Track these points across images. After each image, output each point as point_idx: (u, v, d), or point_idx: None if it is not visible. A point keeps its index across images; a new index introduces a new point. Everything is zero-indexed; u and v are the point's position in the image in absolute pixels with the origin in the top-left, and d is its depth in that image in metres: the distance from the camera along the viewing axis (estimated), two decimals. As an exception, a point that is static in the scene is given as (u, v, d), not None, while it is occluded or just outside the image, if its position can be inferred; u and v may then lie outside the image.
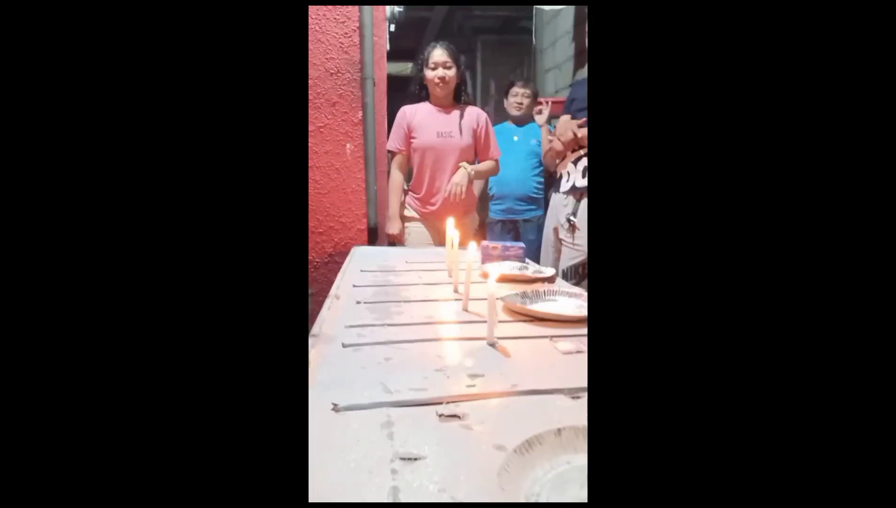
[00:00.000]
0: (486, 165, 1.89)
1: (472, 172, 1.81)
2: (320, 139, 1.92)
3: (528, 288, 1.03)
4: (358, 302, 0.97)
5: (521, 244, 1.34)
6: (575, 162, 1.65)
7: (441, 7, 4.68)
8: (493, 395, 0.57)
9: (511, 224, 2.46)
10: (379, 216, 2.02)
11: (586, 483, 0.42)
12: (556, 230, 1.74)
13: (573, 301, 0.97)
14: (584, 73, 3.06)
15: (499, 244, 1.32)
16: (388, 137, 1.90)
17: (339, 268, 1.34)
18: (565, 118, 1.72)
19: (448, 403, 0.54)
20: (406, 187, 1.94)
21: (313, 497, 0.38)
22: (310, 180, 1.92)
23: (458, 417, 0.51)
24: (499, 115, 2.85)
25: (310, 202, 1.93)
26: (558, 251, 1.74)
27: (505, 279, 1.13)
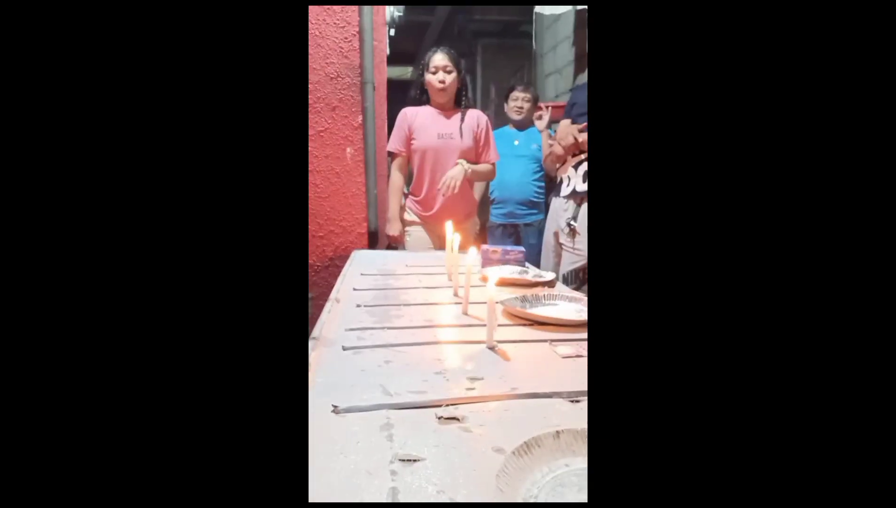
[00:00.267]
0: (483, 166, 1.89)
1: (469, 170, 1.80)
2: (320, 143, 1.93)
3: (528, 292, 1.03)
4: (358, 305, 0.97)
5: (521, 248, 1.34)
6: (575, 166, 1.66)
7: (441, 11, 4.70)
8: (492, 398, 0.57)
9: (512, 228, 2.46)
10: (379, 220, 2.02)
11: (584, 486, 0.42)
12: (556, 235, 1.75)
13: (573, 306, 0.97)
14: (584, 77, 3.07)
15: (499, 248, 1.32)
16: (388, 141, 1.90)
17: (340, 272, 1.34)
18: (566, 123, 1.73)
19: (447, 406, 0.55)
20: (406, 190, 1.94)
21: (313, 498, 0.38)
22: (310, 185, 1.93)
23: (458, 420, 0.52)
24: (499, 119, 2.86)
25: (310, 206, 1.93)
26: (559, 256, 1.74)
27: (505, 283, 1.13)
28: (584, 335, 0.80)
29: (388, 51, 2.06)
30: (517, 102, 2.42)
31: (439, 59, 1.80)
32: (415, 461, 0.44)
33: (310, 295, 1.92)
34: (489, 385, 0.61)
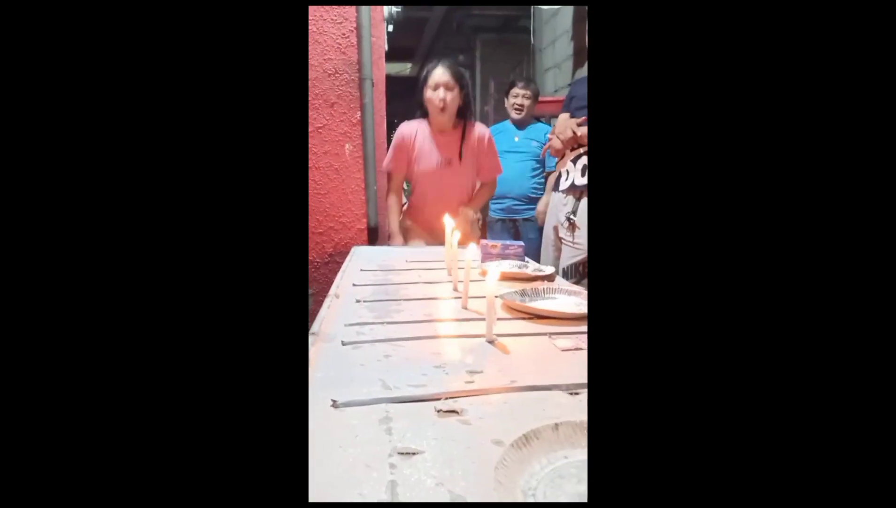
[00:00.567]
0: (482, 193, 1.83)
1: (474, 215, 1.75)
2: (319, 140, 1.93)
3: (528, 286, 1.03)
4: (357, 301, 0.97)
5: (521, 243, 1.34)
6: (574, 160, 1.65)
7: (440, 7, 4.68)
8: (491, 391, 0.57)
9: (511, 223, 2.46)
10: (378, 216, 2.02)
11: (583, 477, 0.42)
12: (555, 229, 1.74)
13: (572, 299, 0.97)
14: (583, 71, 3.06)
15: (498, 243, 1.32)
16: (386, 138, 1.90)
17: (339, 268, 1.34)
18: (564, 117, 1.72)
19: (447, 399, 0.55)
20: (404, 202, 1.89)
21: (312, 493, 0.38)
22: (309, 181, 1.93)
23: (457, 412, 0.52)
24: (498, 114, 2.86)
25: (309, 203, 1.93)
26: (558, 250, 1.74)
27: (504, 278, 1.13)
28: (583, 329, 0.80)
29: (386, 47, 2.06)
30: (518, 99, 2.41)
31: (440, 74, 1.67)
32: (413, 454, 0.44)
33: (310, 291, 1.93)
34: (488, 379, 0.61)
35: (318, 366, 0.64)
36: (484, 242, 1.32)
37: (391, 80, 2.13)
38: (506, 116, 2.52)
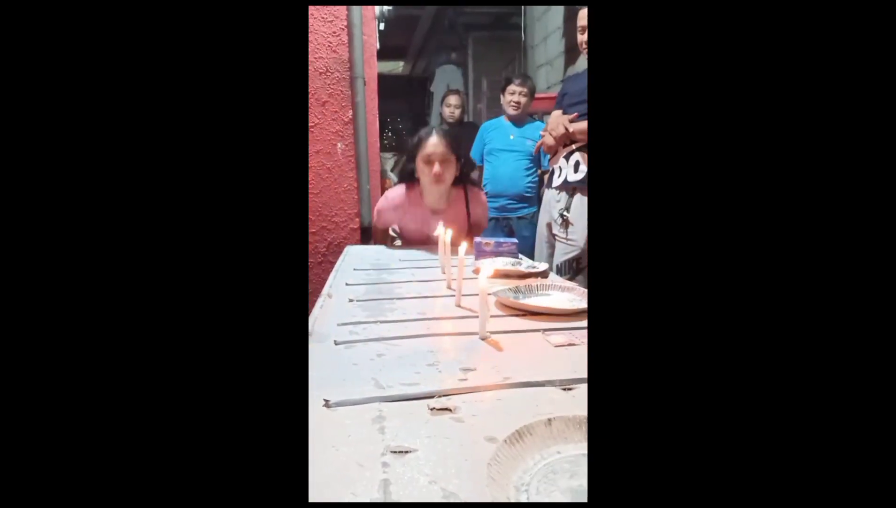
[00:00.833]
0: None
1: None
2: (311, 139, 1.92)
3: (521, 283, 1.03)
4: (350, 300, 0.97)
5: (514, 240, 1.34)
6: (567, 157, 1.65)
7: (431, 5, 4.68)
8: (484, 388, 0.57)
9: (504, 221, 2.46)
10: (371, 216, 2.01)
11: (576, 472, 0.42)
12: (549, 226, 1.75)
13: (566, 295, 0.97)
14: (575, 68, 3.06)
15: (491, 240, 1.32)
16: (379, 137, 1.89)
17: (332, 267, 1.34)
18: (557, 113, 1.72)
19: (440, 397, 0.54)
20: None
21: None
22: (302, 180, 1.92)
23: (450, 410, 0.52)
24: (491, 111, 2.85)
25: (302, 202, 1.92)
26: (552, 247, 1.74)
27: (498, 275, 1.13)
28: (577, 324, 0.80)
29: (377, 45, 2.05)
30: (514, 95, 2.39)
31: (434, 144, 1.47)
32: (406, 452, 0.44)
33: (304, 292, 1.92)
34: (482, 376, 0.61)
35: (311, 366, 0.64)
36: (477, 239, 1.32)
37: (383, 78, 2.12)
38: (500, 112, 2.51)
